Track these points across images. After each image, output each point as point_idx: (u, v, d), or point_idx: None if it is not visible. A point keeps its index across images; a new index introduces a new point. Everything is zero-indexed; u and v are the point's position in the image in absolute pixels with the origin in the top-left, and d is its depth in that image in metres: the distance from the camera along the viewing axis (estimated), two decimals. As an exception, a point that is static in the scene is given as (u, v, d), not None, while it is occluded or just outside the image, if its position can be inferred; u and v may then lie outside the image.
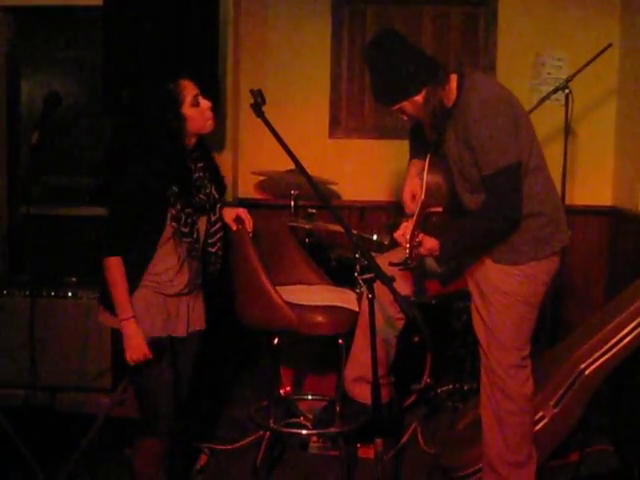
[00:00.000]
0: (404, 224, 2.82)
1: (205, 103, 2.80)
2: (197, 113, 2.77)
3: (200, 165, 2.86)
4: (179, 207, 2.74)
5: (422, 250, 2.76)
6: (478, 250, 2.93)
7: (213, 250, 2.91)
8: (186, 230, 2.76)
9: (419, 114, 2.82)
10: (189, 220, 2.76)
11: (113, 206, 2.79)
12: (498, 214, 2.75)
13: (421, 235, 2.77)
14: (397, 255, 2.91)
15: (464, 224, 2.88)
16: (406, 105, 2.81)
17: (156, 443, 2.87)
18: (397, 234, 2.83)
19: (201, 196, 2.84)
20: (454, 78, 2.82)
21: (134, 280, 2.74)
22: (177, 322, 2.85)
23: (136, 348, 2.71)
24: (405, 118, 2.91)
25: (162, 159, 2.69)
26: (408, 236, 2.69)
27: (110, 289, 2.72)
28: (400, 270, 2.80)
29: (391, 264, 2.66)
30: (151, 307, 2.77)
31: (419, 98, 2.77)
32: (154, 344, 2.76)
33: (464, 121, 2.76)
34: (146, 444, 2.88)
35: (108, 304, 2.78)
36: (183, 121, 2.73)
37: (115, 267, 2.70)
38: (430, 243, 2.77)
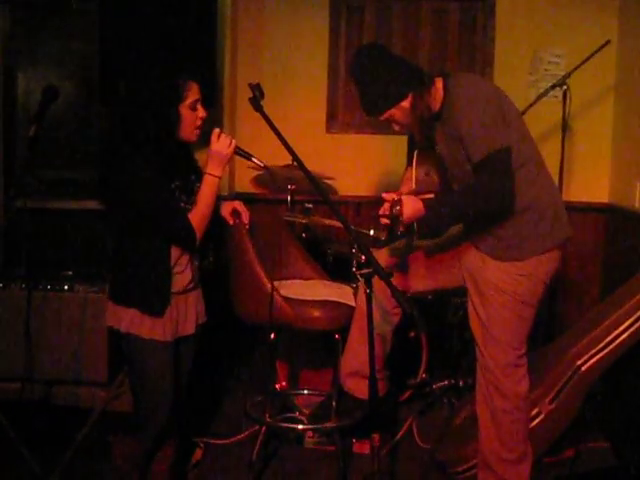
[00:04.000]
0: (385, 196, 2.72)
1: (201, 111, 2.76)
2: (190, 117, 2.72)
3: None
4: (184, 200, 2.75)
5: (405, 211, 2.59)
6: (465, 220, 2.88)
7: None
8: None
9: (408, 121, 2.83)
10: None
11: (136, 201, 2.66)
12: (489, 186, 2.66)
13: (401, 197, 2.64)
14: (393, 251, 2.86)
15: (452, 192, 2.84)
16: (394, 113, 2.81)
17: (138, 445, 2.88)
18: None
19: (195, 189, 2.82)
20: (439, 81, 2.82)
21: (165, 288, 2.75)
22: (186, 321, 2.86)
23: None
24: (397, 128, 2.92)
25: (161, 152, 2.67)
26: (388, 204, 2.58)
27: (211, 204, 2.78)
28: (376, 248, 2.73)
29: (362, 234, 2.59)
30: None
31: (406, 104, 2.78)
32: (161, 350, 2.76)
33: (452, 117, 2.76)
34: (129, 442, 2.88)
35: (120, 298, 2.77)
36: (178, 118, 2.69)
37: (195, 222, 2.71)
38: (414, 202, 2.67)
